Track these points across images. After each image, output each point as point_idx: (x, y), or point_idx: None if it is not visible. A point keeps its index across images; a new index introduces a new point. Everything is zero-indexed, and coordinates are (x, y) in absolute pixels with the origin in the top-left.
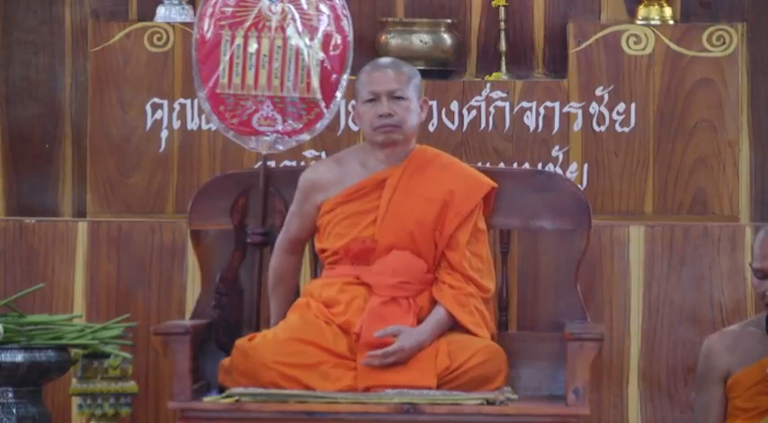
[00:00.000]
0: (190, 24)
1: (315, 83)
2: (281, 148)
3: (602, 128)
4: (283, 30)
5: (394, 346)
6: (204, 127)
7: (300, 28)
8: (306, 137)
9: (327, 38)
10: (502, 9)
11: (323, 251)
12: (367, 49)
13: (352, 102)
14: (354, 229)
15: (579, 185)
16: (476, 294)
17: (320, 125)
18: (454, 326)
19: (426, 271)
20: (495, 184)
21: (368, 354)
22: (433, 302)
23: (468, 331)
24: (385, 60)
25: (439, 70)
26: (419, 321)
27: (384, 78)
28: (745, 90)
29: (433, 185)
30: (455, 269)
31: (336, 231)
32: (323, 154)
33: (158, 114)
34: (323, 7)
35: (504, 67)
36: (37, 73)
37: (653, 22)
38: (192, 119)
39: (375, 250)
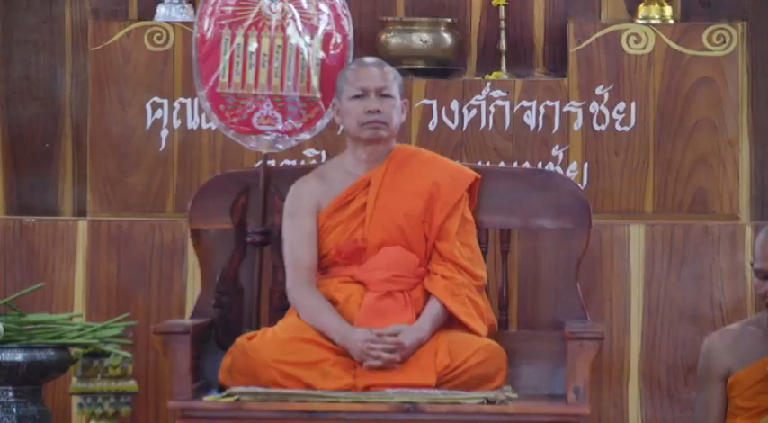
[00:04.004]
0: (190, 23)
1: (315, 82)
2: (281, 147)
3: (603, 127)
4: (283, 29)
5: (392, 338)
6: (204, 126)
7: (300, 27)
8: (306, 136)
9: (327, 37)
10: (502, 8)
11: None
12: (367, 48)
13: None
14: (346, 234)
15: (579, 184)
16: (468, 284)
17: (320, 124)
18: (450, 318)
19: (419, 264)
20: (479, 176)
21: (367, 345)
22: (428, 295)
23: (461, 323)
24: (370, 59)
25: (439, 69)
26: (416, 315)
27: (372, 75)
28: (745, 89)
29: (417, 179)
30: (446, 259)
31: (330, 238)
32: (323, 153)
33: (158, 113)
34: (323, 6)
35: (504, 67)
36: (37, 72)
37: (653, 22)
38: (193, 118)
39: (366, 249)
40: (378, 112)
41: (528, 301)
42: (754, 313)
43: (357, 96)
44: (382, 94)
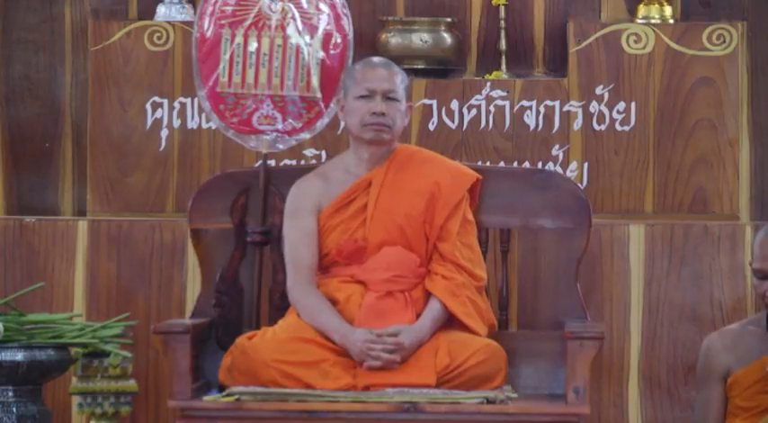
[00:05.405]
0: (190, 23)
1: (315, 81)
2: (281, 146)
3: (603, 127)
4: (283, 28)
5: (392, 338)
6: (204, 126)
7: (300, 27)
8: (306, 135)
9: (327, 37)
10: (502, 8)
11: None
12: (367, 47)
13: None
14: (347, 234)
15: (579, 184)
16: (468, 284)
17: (320, 124)
18: (450, 318)
19: (419, 265)
20: (479, 176)
21: (367, 345)
22: (428, 295)
23: (462, 324)
24: (380, 60)
25: (439, 69)
26: (417, 315)
27: (381, 77)
28: (745, 89)
29: (418, 179)
30: (447, 259)
31: (331, 238)
32: (323, 153)
33: (158, 113)
34: (323, 6)
35: (504, 66)
36: (37, 72)
37: (653, 21)
38: (193, 118)
39: (367, 249)
40: (383, 114)
41: (528, 301)
42: (753, 313)
43: (363, 96)
44: (388, 97)
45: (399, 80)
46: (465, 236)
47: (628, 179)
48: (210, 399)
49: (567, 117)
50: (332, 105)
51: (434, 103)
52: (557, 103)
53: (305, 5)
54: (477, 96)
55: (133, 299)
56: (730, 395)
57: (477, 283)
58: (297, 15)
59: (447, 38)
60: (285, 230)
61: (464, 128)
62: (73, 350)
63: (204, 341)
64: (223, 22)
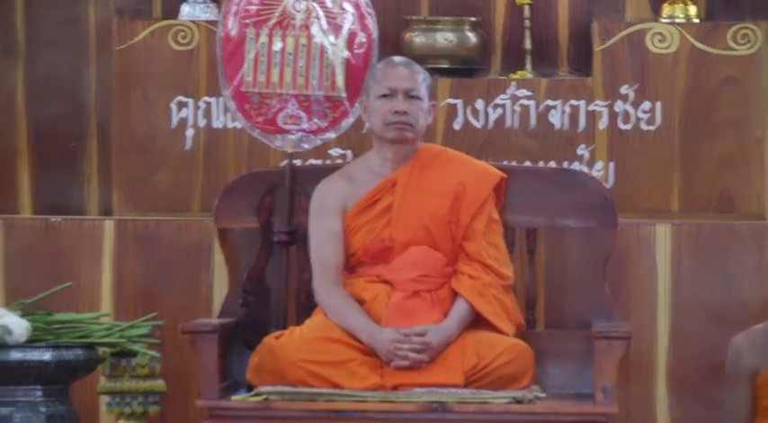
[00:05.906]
0: (214, 22)
1: (339, 81)
2: (306, 146)
3: (628, 126)
4: (308, 28)
5: (419, 338)
6: (230, 125)
7: (325, 26)
8: (331, 135)
9: (352, 36)
10: (526, 7)
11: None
12: (391, 47)
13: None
14: (373, 233)
15: (605, 184)
16: (495, 284)
17: (345, 123)
18: (478, 318)
19: (445, 264)
20: (505, 175)
21: (395, 345)
22: (455, 295)
23: (489, 323)
24: (401, 59)
25: (463, 68)
26: (444, 314)
27: (402, 76)
28: None
29: (443, 179)
30: (473, 259)
31: (357, 237)
32: (348, 152)
33: (183, 113)
34: (347, 5)
35: (528, 66)
36: (62, 72)
37: (677, 21)
38: (218, 117)
39: (393, 249)
40: (404, 113)
41: (555, 301)
42: None
43: (384, 96)
44: (410, 96)
45: (421, 79)
46: (491, 235)
47: (654, 179)
48: (239, 398)
49: (592, 116)
50: (357, 105)
51: (459, 102)
52: (582, 103)
53: (329, 5)
54: (502, 96)
55: (160, 298)
56: (758, 395)
57: (503, 283)
58: (321, 15)
59: (471, 37)
60: (311, 231)
61: (489, 127)
62: (100, 350)
63: (231, 341)
64: (247, 21)
